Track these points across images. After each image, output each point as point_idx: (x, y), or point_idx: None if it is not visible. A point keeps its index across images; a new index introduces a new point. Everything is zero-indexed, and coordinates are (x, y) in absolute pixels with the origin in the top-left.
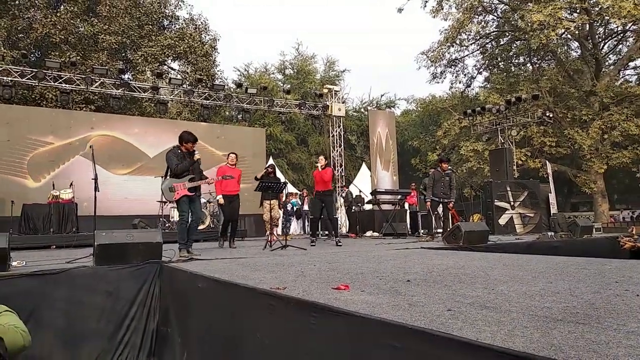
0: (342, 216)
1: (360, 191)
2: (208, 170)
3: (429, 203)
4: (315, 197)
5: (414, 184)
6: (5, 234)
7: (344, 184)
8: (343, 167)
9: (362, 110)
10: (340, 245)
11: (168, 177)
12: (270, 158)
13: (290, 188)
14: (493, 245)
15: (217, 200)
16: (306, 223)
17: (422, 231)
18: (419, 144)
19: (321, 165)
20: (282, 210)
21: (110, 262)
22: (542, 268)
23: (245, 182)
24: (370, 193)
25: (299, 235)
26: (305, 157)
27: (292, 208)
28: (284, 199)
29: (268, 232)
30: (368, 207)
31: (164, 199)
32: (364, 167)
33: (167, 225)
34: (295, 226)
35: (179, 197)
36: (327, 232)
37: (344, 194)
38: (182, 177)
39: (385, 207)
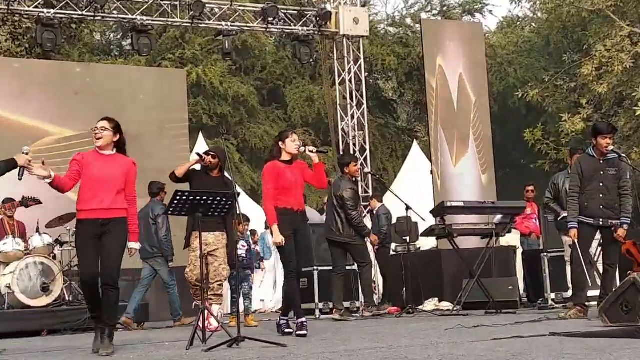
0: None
1: (408, 208)
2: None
3: (573, 232)
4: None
5: (531, 186)
6: None
7: (369, 192)
8: (368, 152)
9: (407, 22)
10: (303, 334)
11: None
12: (200, 135)
13: (248, 204)
14: None
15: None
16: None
17: (551, 296)
18: (540, 94)
19: (290, 151)
20: (242, 254)
21: None
22: None
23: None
24: (432, 212)
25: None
26: (276, 132)
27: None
28: (244, 229)
29: (199, 308)
30: (427, 243)
31: None
32: (414, 150)
33: None
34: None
35: None
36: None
37: (370, 215)
38: None
39: (466, 242)
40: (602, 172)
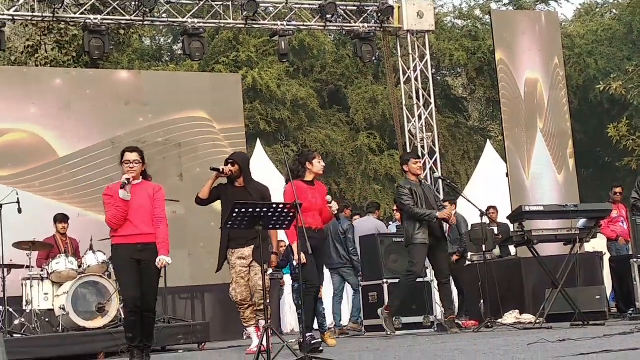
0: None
1: (483, 214)
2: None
3: None
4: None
5: (618, 187)
6: None
7: (439, 197)
8: (437, 154)
9: (476, 14)
10: (315, 343)
11: None
12: (258, 142)
13: None
14: None
15: None
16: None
17: None
18: (623, 86)
19: (317, 172)
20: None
21: None
22: None
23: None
24: (509, 217)
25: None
26: (343, 136)
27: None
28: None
29: (250, 329)
30: (506, 251)
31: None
32: (488, 151)
33: (18, 320)
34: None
35: None
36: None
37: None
38: None
39: (547, 249)
40: None
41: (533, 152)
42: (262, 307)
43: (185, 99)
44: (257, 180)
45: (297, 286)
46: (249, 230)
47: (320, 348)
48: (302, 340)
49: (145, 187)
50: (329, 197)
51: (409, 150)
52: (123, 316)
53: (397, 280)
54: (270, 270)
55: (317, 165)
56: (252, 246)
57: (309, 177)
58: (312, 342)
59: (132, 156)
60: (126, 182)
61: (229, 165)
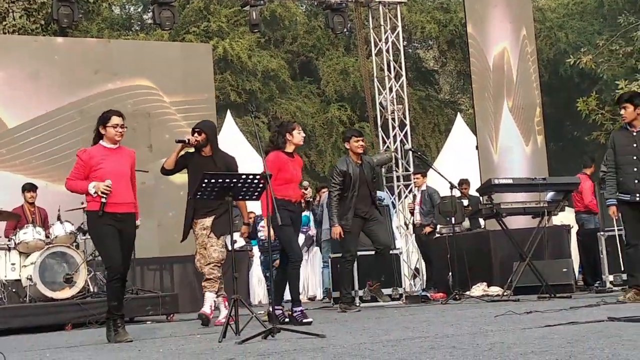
0: (407, 248)
1: (453, 187)
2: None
3: (612, 210)
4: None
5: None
6: None
7: (410, 170)
8: (408, 127)
9: None
10: (307, 322)
11: None
12: (228, 114)
13: None
14: None
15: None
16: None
17: (609, 278)
18: (593, 60)
19: (297, 142)
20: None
21: None
22: None
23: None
24: (478, 190)
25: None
26: (314, 108)
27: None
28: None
29: (218, 299)
30: (476, 224)
31: None
32: (458, 124)
33: None
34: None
35: None
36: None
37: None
38: None
39: (516, 222)
40: (635, 145)
41: (502, 125)
42: (210, 277)
43: (154, 68)
44: (224, 151)
45: (264, 258)
46: (213, 201)
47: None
48: (270, 310)
49: (123, 153)
50: (305, 183)
51: (379, 123)
52: (105, 285)
53: (367, 252)
54: (241, 241)
55: (297, 136)
56: (214, 217)
57: (289, 148)
58: (303, 320)
59: (120, 120)
60: (185, 140)
61: (195, 135)
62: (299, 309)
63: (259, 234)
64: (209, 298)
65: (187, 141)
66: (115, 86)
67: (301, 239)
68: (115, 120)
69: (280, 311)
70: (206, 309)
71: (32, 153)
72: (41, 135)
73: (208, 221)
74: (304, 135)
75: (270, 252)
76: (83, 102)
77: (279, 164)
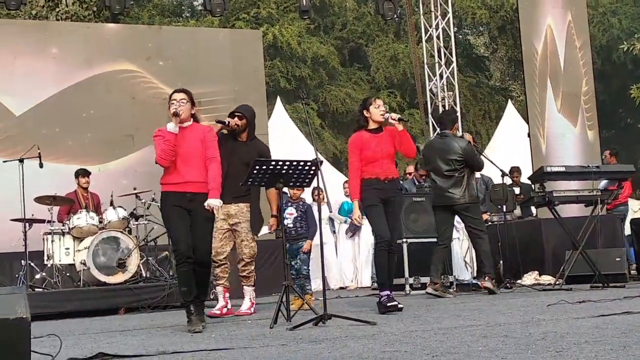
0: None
1: (504, 174)
2: None
3: None
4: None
5: None
6: None
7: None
8: (458, 113)
9: None
10: (392, 306)
11: None
12: (278, 100)
13: (330, 173)
14: None
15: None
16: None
17: None
18: None
19: (375, 119)
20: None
21: None
22: None
23: None
24: (530, 178)
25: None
26: (363, 95)
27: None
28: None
29: (218, 288)
30: (528, 212)
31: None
32: (509, 111)
33: (40, 275)
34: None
35: None
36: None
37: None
38: None
39: (569, 210)
40: None
41: (552, 112)
42: (245, 273)
43: (205, 55)
44: (258, 138)
45: (288, 246)
46: (238, 186)
47: (400, 305)
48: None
49: (195, 130)
50: (392, 115)
51: (430, 110)
52: (175, 269)
53: (417, 240)
54: (265, 230)
55: (375, 111)
56: (240, 204)
57: (372, 125)
58: (388, 304)
59: (178, 96)
60: (175, 114)
61: (236, 119)
62: (385, 293)
63: (285, 221)
64: (248, 293)
65: (227, 123)
66: (166, 72)
67: (345, 226)
68: (173, 96)
69: (385, 297)
70: (246, 303)
71: (87, 141)
72: (97, 125)
73: (233, 209)
74: (383, 109)
75: (284, 241)
76: (133, 90)
77: (359, 144)
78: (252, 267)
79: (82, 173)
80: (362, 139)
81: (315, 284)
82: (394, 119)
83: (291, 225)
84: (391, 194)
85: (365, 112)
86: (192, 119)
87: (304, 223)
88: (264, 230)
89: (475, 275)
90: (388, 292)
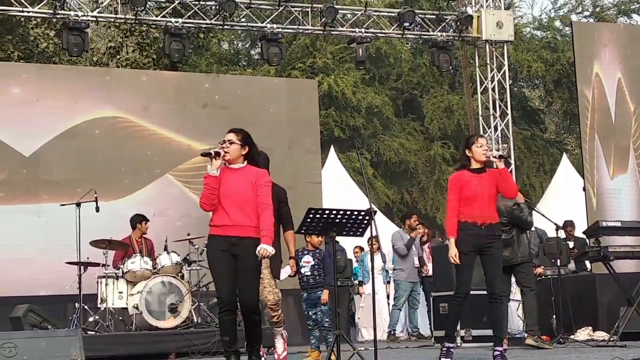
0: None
1: (558, 228)
2: None
3: None
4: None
5: None
6: None
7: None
8: (512, 166)
9: (556, 25)
10: None
11: None
12: (332, 149)
13: (382, 222)
14: None
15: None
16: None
17: None
18: None
19: (478, 158)
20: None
21: None
22: None
23: None
24: (585, 232)
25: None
26: (417, 145)
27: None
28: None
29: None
30: (582, 267)
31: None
32: (564, 164)
33: (93, 318)
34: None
35: None
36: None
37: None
38: None
39: (623, 266)
40: None
41: (611, 166)
42: (274, 320)
43: (261, 103)
44: (276, 183)
45: (307, 295)
46: None
47: None
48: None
49: (247, 172)
50: (494, 153)
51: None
52: (218, 317)
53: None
54: (285, 276)
55: (476, 150)
56: None
57: (474, 164)
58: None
59: (227, 136)
60: (211, 153)
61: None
62: (499, 349)
63: (302, 270)
64: (280, 333)
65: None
66: (222, 120)
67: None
68: (225, 137)
69: (499, 352)
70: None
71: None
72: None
73: None
74: (485, 149)
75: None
76: (190, 135)
77: (459, 184)
78: (280, 312)
79: (143, 219)
80: (463, 177)
81: (368, 333)
82: (495, 157)
83: (309, 274)
84: (487, 241)
85: (467, 151)
86: (245, 161)
87: (322, 271)
88: (285, 273)
89: (526, 328)
90: (501, 349)
